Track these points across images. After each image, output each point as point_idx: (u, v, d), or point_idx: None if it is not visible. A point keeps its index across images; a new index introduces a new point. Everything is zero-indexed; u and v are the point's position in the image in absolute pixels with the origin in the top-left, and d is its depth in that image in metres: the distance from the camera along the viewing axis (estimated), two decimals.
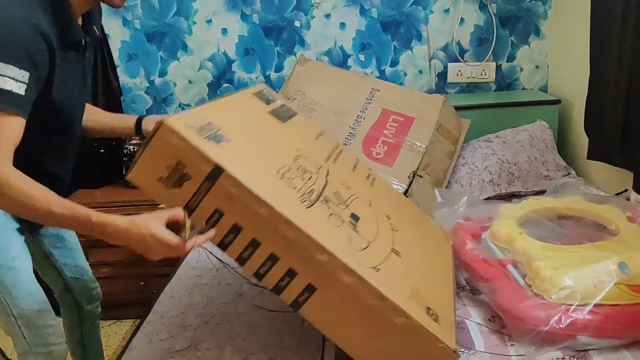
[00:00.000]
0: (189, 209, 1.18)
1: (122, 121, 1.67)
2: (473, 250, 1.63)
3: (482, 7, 2.78)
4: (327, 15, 2.81)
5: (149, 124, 1.60)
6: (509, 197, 2.40)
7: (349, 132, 2.36)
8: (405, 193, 2.18)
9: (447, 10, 2.80)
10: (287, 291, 1.20)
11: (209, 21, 2.81)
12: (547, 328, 1.32)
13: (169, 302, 1.71)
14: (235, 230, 1.18)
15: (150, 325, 1.59)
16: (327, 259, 1.16)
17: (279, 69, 2.86)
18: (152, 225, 1.15)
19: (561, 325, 1.32)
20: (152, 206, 1.29)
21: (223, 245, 1.20)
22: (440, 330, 1.21)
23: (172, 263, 2.05)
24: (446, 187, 2.38)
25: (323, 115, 2.42)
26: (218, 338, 1.49)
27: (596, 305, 1.34)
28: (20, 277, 1.44)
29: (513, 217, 1.67)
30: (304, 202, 1.25)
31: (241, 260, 1.20)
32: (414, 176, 2.24)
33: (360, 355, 1.23)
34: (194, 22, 2.81)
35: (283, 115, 1.57)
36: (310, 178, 1.35)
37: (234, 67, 2.87)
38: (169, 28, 2.83)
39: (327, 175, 1.43)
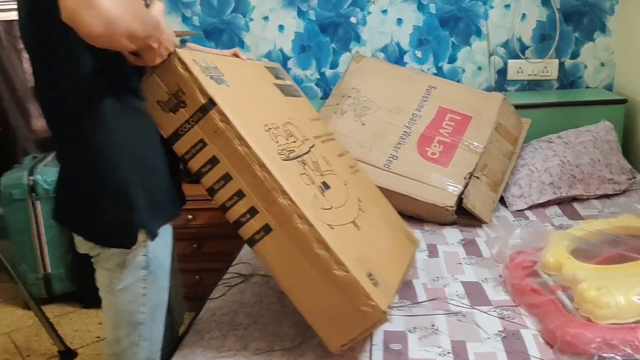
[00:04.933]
0: (178, 134, 1.30)
1: None
2: (522, 282, 1.62)
3: (545, 2, 2.68)
4: (384, 11, 2.77)
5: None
6: (570, 200, 2.32)
7: (404, 131, 2.32)
8: (461, 194, 2.14)
9: (508, 6, 2.71)
10: (245, 227, 1.32)
11: (266, 18, 2.82)
12: (595, 349, 1.29)
13: (220, 300, 1.73)
14: (213, 161, 1.30)
15: (202, 322, 1.61)
16: (288, 204, 1.28)
17: (334, 65, 2.84)
18: None
19: (610, 346, 1.29)
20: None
21: (200, 173, 1.32)
22: (376, 292, 1.31)
23: (225, 259, 2.08)
24: (504, 189, 2.31)
25: (378, 113, 2.39)
26: (267, 338, 1.50)
27: None
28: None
29: (562, 244, 1.65)
30: (281, 154, 1.37)
31: (212, 190, 1.32)
32: (470, 177, 2.19)
33: (298, 299, 1.35)
34: (251, 19, 2.83)
35: (286, 91, 1.68)
36: (294, 142, 1.46)
37: (290, 63, 2.87)
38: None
39: (311, 146, 1.53)
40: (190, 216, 2.43)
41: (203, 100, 1.27)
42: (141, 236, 1.25)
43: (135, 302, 1.30)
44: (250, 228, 1.32)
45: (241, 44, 2.85)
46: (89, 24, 0.98)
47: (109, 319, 1.33)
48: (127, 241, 1.25)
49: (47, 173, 2.65)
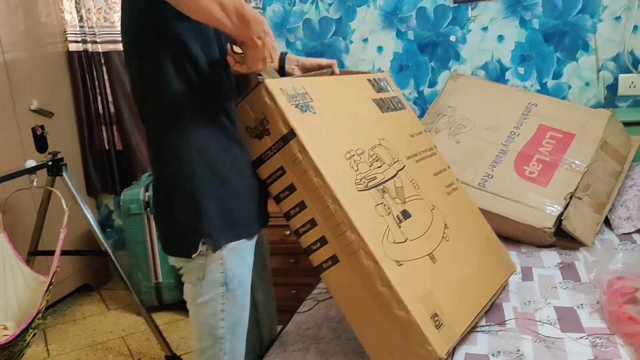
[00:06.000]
0: (262, 159, 1.37)
1: None
2: (620, 309, 1.53)
3: None
4: (484, 29, 2.73)
5: (290, 65, 1.67)
6: None
7: (501, 149, 2.27)
8: (561, 216, 2.05)
9: (618, 18, 2.57)
10: (315, 255, 1.36)
11: (365, 40, 2.88)
12: None
13: (307, 314, 1.78)
14: (291, 189, 1.35)
15: (287, 335, 1.67)
16: (355, 238, 1.29)
17: (432, 84, 2.84)
18: None
19: None
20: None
21: (279, 198, 1.39)
22: (436, 335, 1.30)
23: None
24: (610, 211, 2.19)
25: (474, 131, 2.36)
26: (348, 354, 1.52)
27: None
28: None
29: None
30: (358, 184, 1.38)
31: (288, 215, 1.38)
32: (571, 198, 2.09)
33: (358, 329, 1.37)
34: (351, 42, 2.90)
35: (387, 106, 1.68)
36: (379, 167, 1.47)
37: None
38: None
39: (400, 169, 1.53)
40: (287, 232, 2.51)
41: (285, 131, 1.32)
42: (204, 246, 1.30)
43: (215, 317, 1.36)
44: (319, 256, 1.36)
45: (341, 65, 2.91)
46: None
47: (194, 330, 1.41)
48: (190, 248, 1.31)
49: None
